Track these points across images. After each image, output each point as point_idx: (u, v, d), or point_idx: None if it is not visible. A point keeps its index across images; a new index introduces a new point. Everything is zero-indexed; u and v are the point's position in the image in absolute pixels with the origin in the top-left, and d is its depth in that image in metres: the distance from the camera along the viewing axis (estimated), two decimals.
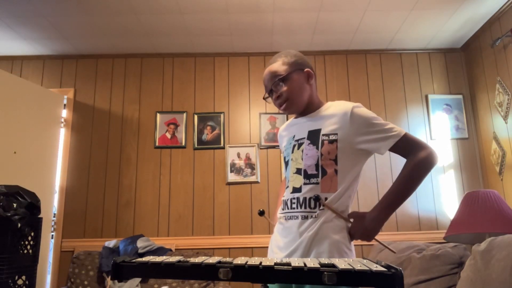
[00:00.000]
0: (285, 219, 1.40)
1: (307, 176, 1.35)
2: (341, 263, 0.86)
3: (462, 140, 3.49)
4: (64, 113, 3.55)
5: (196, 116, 3.54)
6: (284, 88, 1.39)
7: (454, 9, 3.06)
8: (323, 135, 1.35)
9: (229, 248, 3.27)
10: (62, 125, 3.52)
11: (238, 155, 3.44)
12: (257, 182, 3.40)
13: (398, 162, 3.40)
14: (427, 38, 3.49)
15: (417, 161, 1.29)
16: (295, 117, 1.52)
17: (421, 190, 3.39)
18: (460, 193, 3.36)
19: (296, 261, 0.89)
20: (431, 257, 2.44)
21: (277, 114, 3.55)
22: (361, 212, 1.34)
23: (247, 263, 0.87)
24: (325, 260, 0.90)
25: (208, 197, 3.38)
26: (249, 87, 3.62)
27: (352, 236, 1.33)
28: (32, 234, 2.34)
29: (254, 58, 3.67)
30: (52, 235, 3.33)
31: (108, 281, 2.85)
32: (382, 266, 0.84)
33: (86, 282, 2.89)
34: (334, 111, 1.38)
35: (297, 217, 1.34)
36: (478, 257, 1.80)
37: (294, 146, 1.42)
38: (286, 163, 1.46)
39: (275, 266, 0.85)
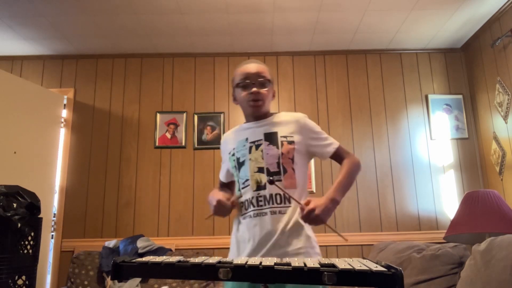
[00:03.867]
0: (252, 216, 1.46)
1: (270, 173, 1.46)
2: (341, 263, 0.86)
3: (462, 140, 3.49)
4: (64, 113, 3.55)
5: (196, 116, 3.54)
6: (266, 90, 1.56)
7: (454, 9, 3.06)
8: (281, 136, 1.51)
9: (229, 248, 3.26)
10: (62, 125, 3.52)
11: None
12: None
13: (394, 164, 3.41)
14: (427, 38, 3.49)
15: (355, 161, 1.53)
16: (245, 122, 1.65)
17: (421, 190, 3.39)
18: (460, 193, 3.36)
19: (296, 261, 0.89)
20: (431, 257, 2.44)
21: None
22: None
23: (247, 263, 0.87)
24: (325, 260, 0.90)
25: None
26: None
27: (309, 213, 1.32)
28: (32, 234, 2.34)
29: (254, 58, 3.66)
30: (52, 235, 3.33)
31: (108, 281, 2.85)
32: (382, 266, 0.84)
33: (86, 282, 2.89)
34: (286, 119, 1.58)
35: (266, 213, 1.43)
36: (478, 257, 1.80)
37: (250, 147, 1.53)
38: (241, 164, 1.53)
39: (275, 266, 0.85)
